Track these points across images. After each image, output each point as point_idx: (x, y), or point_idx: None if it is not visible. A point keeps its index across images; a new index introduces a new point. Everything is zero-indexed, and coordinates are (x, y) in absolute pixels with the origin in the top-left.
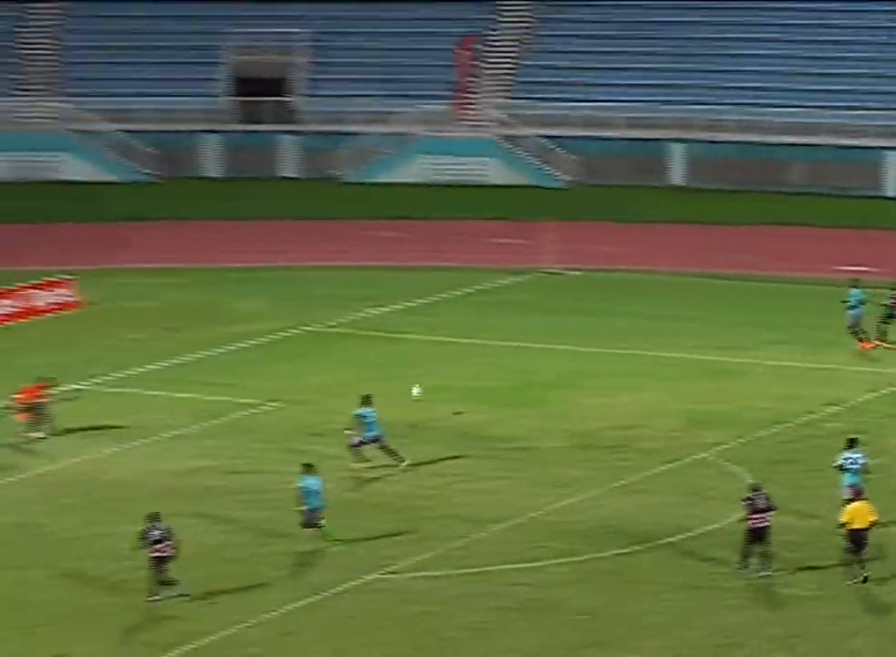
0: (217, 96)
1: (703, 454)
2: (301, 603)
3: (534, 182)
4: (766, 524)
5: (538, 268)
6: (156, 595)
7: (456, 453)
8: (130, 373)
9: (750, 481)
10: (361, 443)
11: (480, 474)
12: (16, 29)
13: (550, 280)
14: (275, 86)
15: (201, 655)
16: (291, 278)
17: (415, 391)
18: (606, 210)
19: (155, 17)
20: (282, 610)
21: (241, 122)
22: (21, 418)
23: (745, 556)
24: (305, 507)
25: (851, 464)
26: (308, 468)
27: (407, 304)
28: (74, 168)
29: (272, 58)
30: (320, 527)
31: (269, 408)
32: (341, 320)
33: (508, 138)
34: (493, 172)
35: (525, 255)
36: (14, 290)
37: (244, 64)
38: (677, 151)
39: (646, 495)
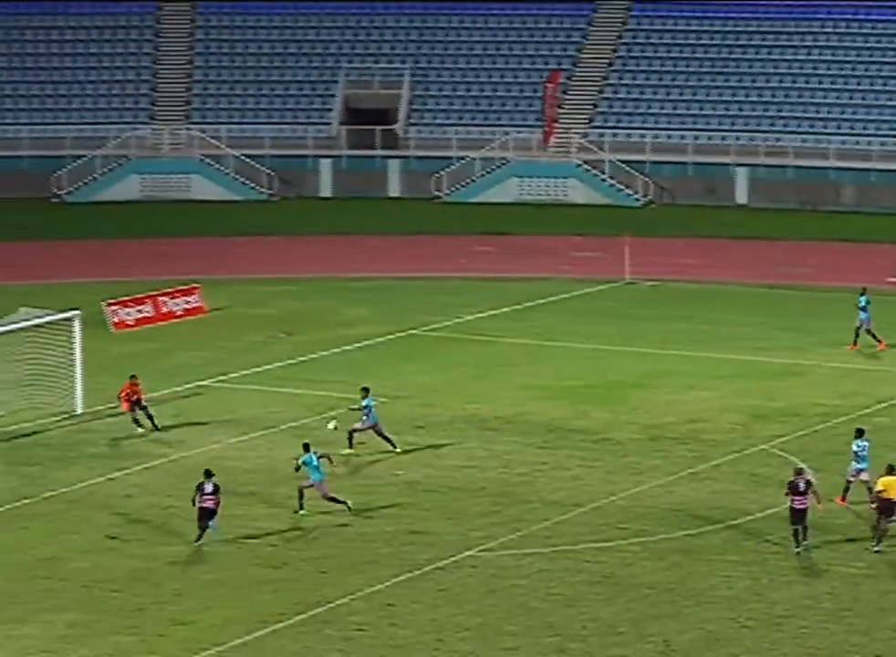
0: (330, 124)
1: (763, 446)
2: (402, 578)
3: (612, 202)
4: (805, 505)
5: (617, 279)
6: (201, 540)
7: (542, 444)
8: (250, 372)
9: (796, 466)
10: (356, 430)
11: (563, 464)
12: (152, 65)
13: (627, 290)
14: (382, 115)
15: (309, 623)
16: (395, 287)
17: (330, 425)
18: (677, 227)
19: (277, 55)
20: (386, 584)
21: (351, 148)
22: (126, 407)
23: (794, 535)
24: (311, 482)
25: (861, 451)
26: (307, 448)
27: (499, 311)
28: (202, 188)
29: (380, 91)
30: (330, 499)
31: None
32: (440, 325)
33: (590, 162)
34: (576, 192)
35: (604, 267)
36: (148, 297)
37: (356, 96)
38: (741, 174)
39: (712, 482)
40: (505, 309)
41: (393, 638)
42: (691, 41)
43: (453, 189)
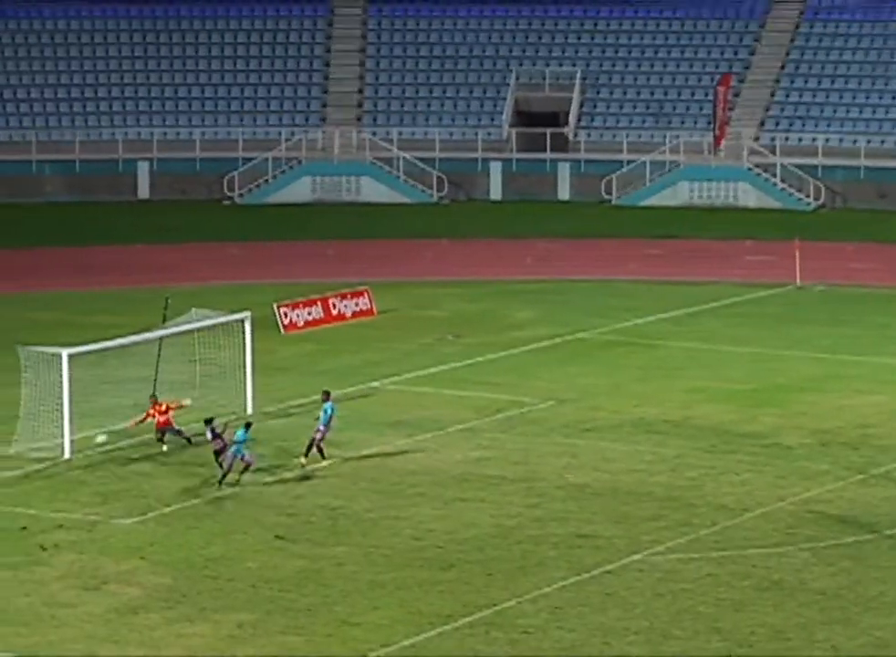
0: (500, 127)
1: None
2: (570, 581)
3: (784, 206)
4: None
5: (787, 283)
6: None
7: (710, 448)
8: (418, 374)
9: None
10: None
11: (730, 467)
12: (324, 68)
13: (797, 294)
14: (552, 118)
15: (475, 626)
16: (563, 290)
17: (100, 438)
18: (848, 231)
19: (448, 58)
20: (553, 587)
21: (521, 151)
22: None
23: None
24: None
25: None
26: (327, 395)
27: (667, 315)
28: (372, 191)
29: (550, 94)
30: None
31: (543, 405)
32: (608, 328)
33: (761, 166)
34: (747, 196)
35: (775, 271)
36: (318, 299)
37: (526, 99)
38: None
39: (882, 488)
40: (673, 313)
41: (560, 641)
42: (863, 46)
43: (623, 192)
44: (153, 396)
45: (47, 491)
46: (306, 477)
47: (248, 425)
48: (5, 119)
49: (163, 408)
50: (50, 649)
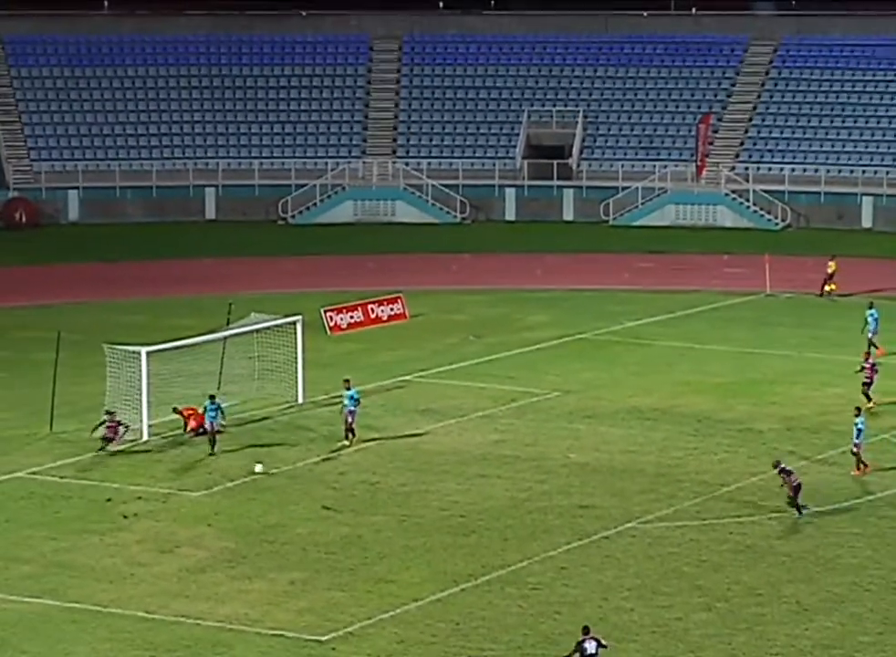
0: (514, 158)
1: (885, 435)
2: (574, 545)
3: (756, 226)
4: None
5: (758, 292)
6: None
7: (693, 433)
8: (445, 369)
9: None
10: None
11: (710, 449)
12: (364, 107)
13: (768, 301)
14: (558, 151)
15: (493, 583)
16: (569, 298)
17: (258, 468)
18: (811, 247)
19: (471, 99)
20: (559, 550)
21: (532, 179)
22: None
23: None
24: (346, 412)
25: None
26: (347, 383)
27: (657, 318)
28: (405, 212)
29: (557, 130)
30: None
31: (551, 396)
32: (606, 330)
33: (736, 191)
34: (724, 217)
35: (748, 281)
36: (359, 305)
37: (536, 134)
38: (867, 202)
39: (839, 467)
40: (661, 317)
41: (565, 596)
42: (824, 89)
43: (619, 214)
44: (175, 408)
45: (129, 468)
46: (348, 456)
47: (212, 397)
48: (93, 151)
49: (191, 412)
50: (130, 602)
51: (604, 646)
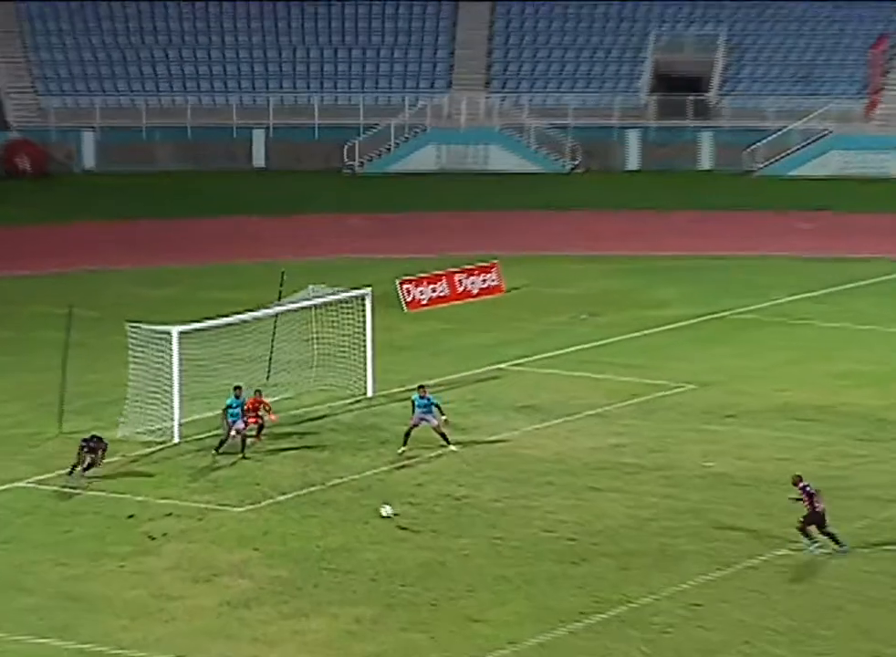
0: (638, 93)
1: None
2: (710, 576)
3: None
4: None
5: None
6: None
7: (861, 436)
8: (550, 355)
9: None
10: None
11: (882, 457)
12: (451, 28)
13: None
14: (694, 83)
15: (610, 623)
16: (705, 267)
17: (386, 511)
18: None
19: (582, 17)
20: (692, 583)
21: (660, 118)
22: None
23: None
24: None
25: None
26: (421, 387)
27: (817, 292)
28: (501, 160)
29: (692, 57)
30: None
31: (682, 389)
32: (752, 307)
33: None
34: None
35: None
36: (443, 275)
37: (666, 62)
38: None
39: None
40: (822, 291)
41: (700, 640)
42: None
43: (769, 162)
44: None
45: (156, 477)
46: (427, 463)
47: (238, 390)
48: (112, 83)
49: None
50: (158, 644)
51: None
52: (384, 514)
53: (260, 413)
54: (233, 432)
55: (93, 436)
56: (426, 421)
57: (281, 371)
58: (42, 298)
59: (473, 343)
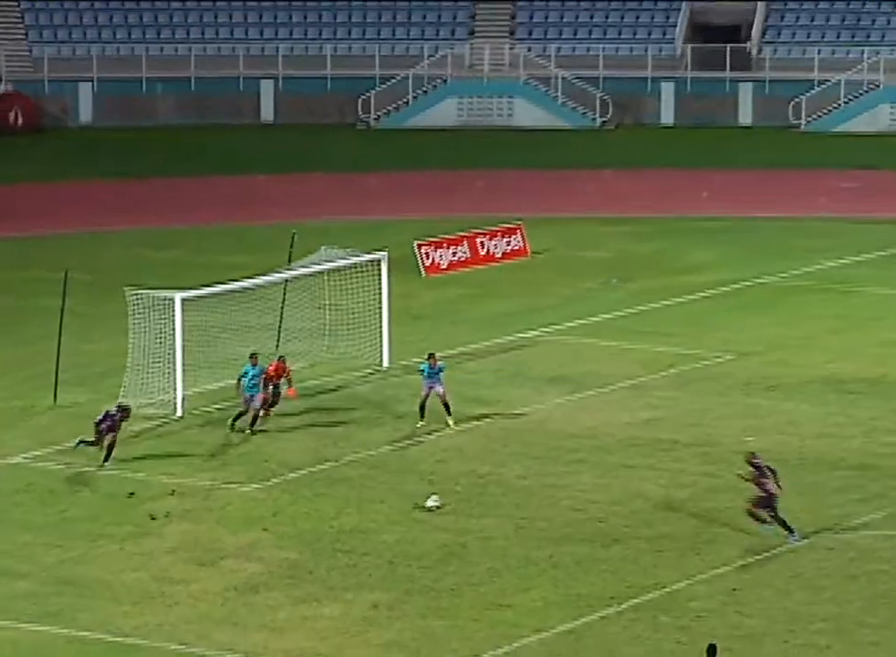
0: (673, 42)
1: None
2: (749, 560)
3: None
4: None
5: None
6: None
7: None
8: (580, 323)
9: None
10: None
11: None
12: None
13: None
14: (733, 32)
15: (642, 609)
16: (745, 229)
17: (432, 502)
18: None
19: None
20: (730, 567)
21: (697, 69)
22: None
23: None
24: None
25: None
26: (431, 356)
27: (864, 256)
28: (526, 114)
29: (730, 5)
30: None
31: (721, 360)
32: (796, 272)
33: None
34: None
35: None
36: (465, 237)
37: (703, 10)
38: None
39: None
40: (871, 255)
41: (739, 628)
42: None
43: (814, 116)
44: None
45: (158, 453)
46: (448, 438)
47: (254, 357)
48: (110, 31)
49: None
50: (160, 631)
51: None
52: (429, 505)
53: (281, 382)
54: (256, 405)
55: (108, 412)
56: (434, 389)
57: (292, 340)
58: (35, 262)
59: (496, 310)
